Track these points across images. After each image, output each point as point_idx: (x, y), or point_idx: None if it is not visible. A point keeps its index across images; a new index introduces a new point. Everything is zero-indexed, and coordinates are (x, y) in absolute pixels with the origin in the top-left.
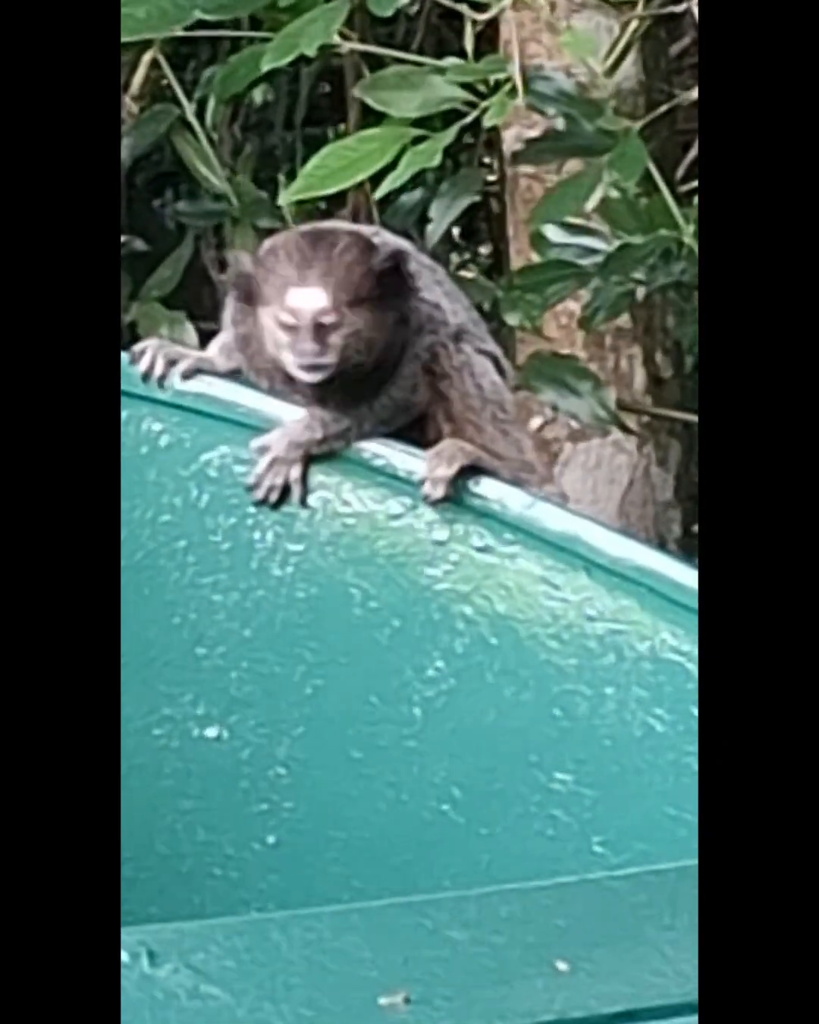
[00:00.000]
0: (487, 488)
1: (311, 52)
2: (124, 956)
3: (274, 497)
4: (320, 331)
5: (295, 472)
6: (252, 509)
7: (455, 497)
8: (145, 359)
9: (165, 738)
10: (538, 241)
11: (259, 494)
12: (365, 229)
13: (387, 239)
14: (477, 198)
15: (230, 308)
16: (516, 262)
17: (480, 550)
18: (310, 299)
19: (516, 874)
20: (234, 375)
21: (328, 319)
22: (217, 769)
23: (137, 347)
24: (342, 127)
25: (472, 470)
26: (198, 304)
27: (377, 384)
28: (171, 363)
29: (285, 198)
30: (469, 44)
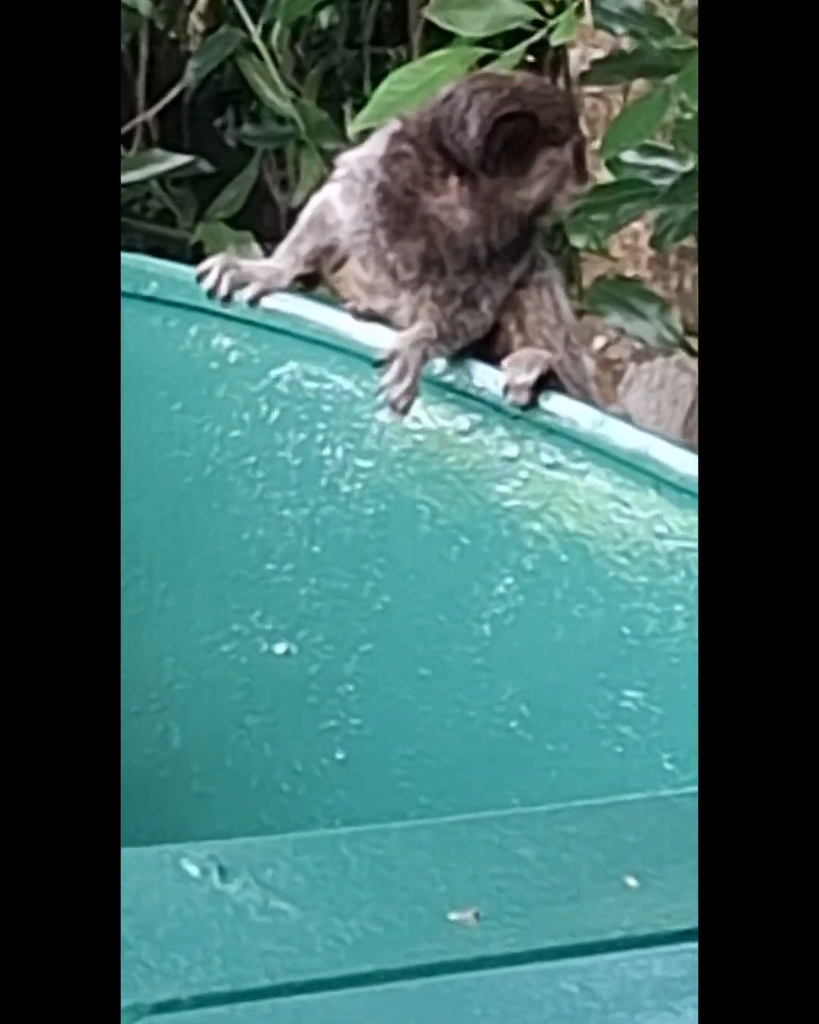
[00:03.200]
0: (557, 405)
1: None
2: (195, 871)
3: (404, 403)
4: None
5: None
6: (322, 425)
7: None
8: (209, 278)
9: (233, 654)
10: (615, 165)
11: (395, 394)
12: None
13: None
14: None
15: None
16: None
17: (550, 467)
18: None
19: (584, 791)
20: (307, 282)
21: None
22: (285, 685)
23: (202, 265)
24: (406, 47)
25: (542, 386)
26: (263, 224)
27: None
28: (235, 286)
29: (354, 126)
30: None
